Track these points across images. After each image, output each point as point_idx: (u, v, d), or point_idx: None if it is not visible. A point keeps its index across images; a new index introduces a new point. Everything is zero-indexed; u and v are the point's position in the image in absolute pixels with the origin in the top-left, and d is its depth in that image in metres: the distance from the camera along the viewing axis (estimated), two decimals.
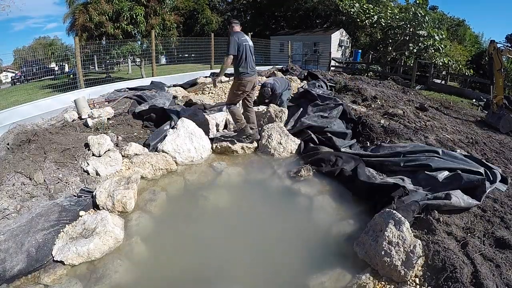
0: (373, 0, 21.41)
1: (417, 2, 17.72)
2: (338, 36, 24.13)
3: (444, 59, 17.66)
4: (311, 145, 4.91)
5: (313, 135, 5.07)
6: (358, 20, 20.25)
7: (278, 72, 9.59)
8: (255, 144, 5.02)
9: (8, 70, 17.91)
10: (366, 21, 19.85)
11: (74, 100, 5.69)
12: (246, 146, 4.94)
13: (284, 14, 30.86)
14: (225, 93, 7.40)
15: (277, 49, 20.41)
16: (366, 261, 2.63)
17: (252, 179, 4.26)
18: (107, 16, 12.65)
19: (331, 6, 25.40)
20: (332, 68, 17.19)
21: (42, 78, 9.07)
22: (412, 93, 9.43)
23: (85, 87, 7.59)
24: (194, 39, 14.11)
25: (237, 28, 4.58)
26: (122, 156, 4.33)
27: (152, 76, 9.77)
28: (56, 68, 11.22)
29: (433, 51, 17.95)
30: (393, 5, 21.06)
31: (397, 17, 18.77)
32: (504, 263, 2.40)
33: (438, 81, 14.79)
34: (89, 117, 5.19)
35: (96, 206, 3.34)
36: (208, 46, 11.58)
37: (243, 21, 34.78)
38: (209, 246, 3.01)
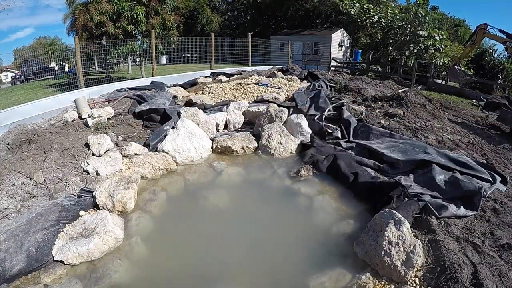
0: (373, 0, 21.41)
1: (418, 2, 17.72)
2: (338, 36, 24.10)
3: (445, 59, 17.66)
4: None
5: None
6: (359, 20, 20.23)
7: (278, 72, 9.58)
8: (255, 144, 5.02)
9: (8, 70, 17.91)
10: (367, 21, 19.84)
11: (74, 100, 5.69)
12: (246, 146, 4.94)
13: (284, 14, 30.85)
14: (225, 93, 7.40)
15: (277, 49, 20.40)
16: (366, 261, 2.63)
17: (252, 179, 4.26)
18: (108, 16, 12.65)
19: (332, 6, 25.40)
20: (332, 68, 17.20)
21: (42, 78, 9.07)
22: (412, 93, 9.40)
23: (85, 87, 7.59)
24: (194, 39, 14.11)
25: None
26: (122, 156, 4.33)
27: (152, 76, 9.77)
28: (56, 68, 11.21)
29: (433, 51, 17.94)
30: (393, 5, 21.05)
31: (398, 17, 18.76)
32: (504, 263, 2.40)
33: (439, 81, 14.77)
34: (89, 117, 5.19)
35: (96, 206, 3.34)
36: (208, 46, 11.58)
37: (243, 21, 34.79)
38: (209, 245, 3.01)
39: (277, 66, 12.00)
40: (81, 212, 3.19)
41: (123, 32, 13.10)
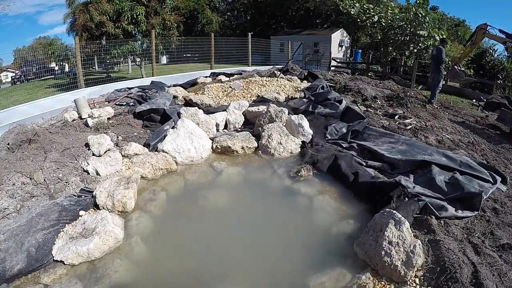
0: (373, 0, 21.40)
1: (418, 2, 17.71)
2: (338, 36, 24.10)
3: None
4: None
5: None
6: (358, 20, 20.24)
7: (278, 72, 9.58)
8: (255, 144, 5.02)
9: (8, 70, 17.91)
10: (367, 21, 19.84)
11: (74, 100, 5.69)
12: (246, 146, 4.94)
13: (284, 14, 30.83)
14: (224, 93, 7.40)
15: (277, 49, 20.40)
16: (366, 261, 2.63)
17: (252, 179, 4.26)
18: (107, 16, 12.64)
19: (332, 6, 25.38)
20: (332, 68, 17.20)
21: (42, 78, 9.08)
22: (412, 93, 9.41)
23: (85, 87, 7.59)
24: (194, 39, 14.12)
25: None
26: (122, 156, 4.33)
27: (152, 76, 9.77)
28: (56, 68, 11.21)
29: None
30: (393, 5, 21.04)
31: (398, 17, 18.76)
32: (504, 263, 2.40)
33: None
34: (89, 117, 5.19)
35: (96, 206, 3.34)
36: (208, 46, 11.59)
37: (243, 21, 34.79)
38: (209, 245, 3.01)
39: (277, 66, 12.00)
40: (81, 212, 3.19)
41: (123, 32, 13.09)
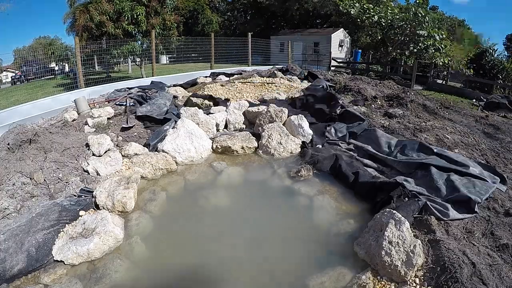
0: (373, 0, 21.38)
1: (417, 2, 17.69)
2: (338, 36, 24.12)
3: (445, 59, 17.66)
4: None
5: None
6: (358, 20, 20.23)
7: (278, 72, 9.58)
8: (255, 144, 5.02)
9: (8, 70, 17.91)
10: (366, 21, 19.83)
11: (74, 100, 5.70)
12: (246, 146, 4.94)
13: (284, 14, 30.84)
14: (224, 93, 7.39)
15: (277, 49, 20.42)
16: (366, 261, 2.63)
17: (252, 179, 4.26)
18: (107, 16, 12.65)
19: (332, 6, 25.37)
20: (332, 68, 17.20)
21: (42, 78, 9.09)
22: (412, 93, 9.41)
23: (85, 87, 7.59)
24: (194, 39, 14.12)
25: None
26: (122, 156, 4.33)
27: (152, 75, 9.77)
28: (56, 68, 11.23)
29: (433, 51, 17.92)
30: (393, 5, 21.01)
31: (397, 17, 18.74)
32: (504, 263, 2.40)
33: (439, 81, 14.78)
34: (89, 117, 5.19)
35: (96, 206, 3.35)
36: (208, 46, 11.60)
37: (243, 21, 34.79)
38: (209, 245, 3.01)
39: (277, 66, 12.00)
40: (81, 212, 3.19)
41: (123, 32, 13.10)
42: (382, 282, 2.40)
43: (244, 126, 5.82)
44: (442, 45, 17.76)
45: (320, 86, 7.68)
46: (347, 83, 8.71)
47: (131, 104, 6.24)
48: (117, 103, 6.33)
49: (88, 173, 3.92)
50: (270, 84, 8.25)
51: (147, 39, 13.24)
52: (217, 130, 5.63)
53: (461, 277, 2.20)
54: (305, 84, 8.66)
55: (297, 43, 22.37)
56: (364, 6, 19.66)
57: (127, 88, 7.64)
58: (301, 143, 5.01)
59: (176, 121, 5.09)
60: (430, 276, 2.34)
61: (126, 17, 12.98)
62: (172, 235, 3.19)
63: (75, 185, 3.62)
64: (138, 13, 13.10)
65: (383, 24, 19.32)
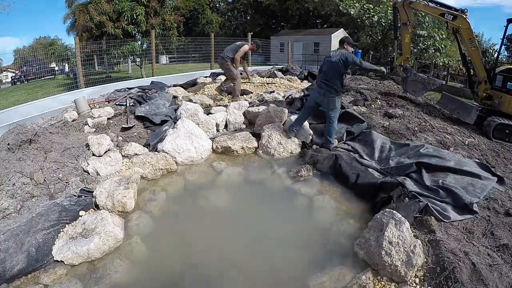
0: (373, 0, 21.40)
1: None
2: (338, 36, 24.19)
3: (445, 59, 17.67)
4: None
5: None
6: (358, 20, 20.23)
7: (278, 72, 9.59)
8: (255, 144, 5.03)
9: (8, 70, 17.93)
10: (366, 21, 19.83)
11: (74, 100, 5.70)
12: (246, 146, 4.94)
13: (284, 14, 30.88)
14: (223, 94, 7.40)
15: (277, 49, 20.45)
16: (366, 261, 2.63)
17: (252, 179, 4.25)
18: (107, 16, 12.67)
19: (331, 6, 25.39)
20: None
21: (42, 78, 9.10)
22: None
23: (85, 87, 7.60)
24: (195, 39, 14.13)
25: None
26: (122, 156, 4.33)
27: (152, 76, 9.78)
28: (56, 68, 11.24)
29: (433, 51, 17.93)
30: None
31: None
32: (504, 263, 2.40)
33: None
34: (89, 117, 5.19)
35: (96, 206, 3.35)
36: (208, 46, 11.60)
37: (243, 21, 34.81)
38: (209, 246, 3.00)
39: (277, 66, 12.01)
40: (81, 212, 3.19)
41: (123, 32, 13.11)
42: (382, 282, 2.40)
43: (244, 126, 5.82)
44: (442, 45, 17.76)
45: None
46: (347, 83, 8.71)
47: (131, 104, 6.24)
48: (117, 103, 6.34)
49: (88, 173, 3.92)
50: (270, 84, 8.26)
51: (147, 39, 13.26)
52: (217, 130, 5.62)
53: (461, 277, 2.20)
54: (305, 84, 8.66)
55: (297, 43, 22.39)
56: (364, 6, 19.66)
57: (127, 88, 7.64)
58: (301, 143, 5.01)
59: (174, 122, 5.08)
60: (430, 276, 2.34)
61: (125, 17, 12.99)
62: (172, 235, 3.19)
63: (75, 185, 3.62)
64: (138, 13, 13.12)
65: (383, 24, 19.32)
